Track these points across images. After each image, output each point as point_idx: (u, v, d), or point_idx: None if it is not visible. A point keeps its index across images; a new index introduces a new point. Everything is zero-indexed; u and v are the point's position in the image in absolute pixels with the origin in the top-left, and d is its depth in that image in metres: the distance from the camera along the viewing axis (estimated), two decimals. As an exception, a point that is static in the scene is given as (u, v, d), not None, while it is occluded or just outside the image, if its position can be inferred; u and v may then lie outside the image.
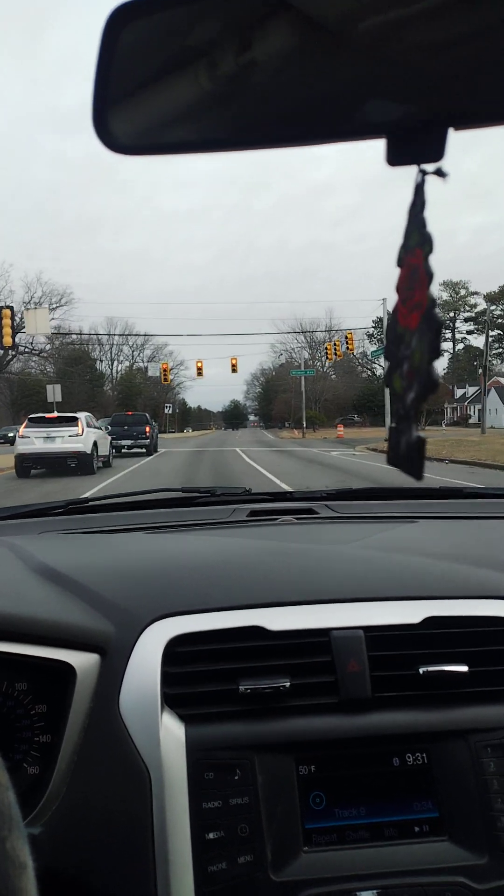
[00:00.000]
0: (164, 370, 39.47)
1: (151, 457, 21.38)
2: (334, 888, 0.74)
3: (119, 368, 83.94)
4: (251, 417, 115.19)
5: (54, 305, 61.71)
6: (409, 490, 1.74)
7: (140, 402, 75.87)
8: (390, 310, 0.40)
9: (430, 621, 0.86)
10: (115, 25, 0.38)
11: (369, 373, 73.29)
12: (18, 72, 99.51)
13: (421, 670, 0.83)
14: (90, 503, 1.61)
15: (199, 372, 38.01)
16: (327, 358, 36.80)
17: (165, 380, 40.95)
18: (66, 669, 0.80)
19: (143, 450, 22.39)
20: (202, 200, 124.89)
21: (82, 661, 0.82)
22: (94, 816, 0.75)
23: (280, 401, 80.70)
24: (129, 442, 22.22)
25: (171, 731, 0.79)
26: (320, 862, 0.75)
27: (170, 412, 43.96)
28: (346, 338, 34.99)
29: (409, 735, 0.81)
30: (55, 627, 0.83)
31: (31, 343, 62.72)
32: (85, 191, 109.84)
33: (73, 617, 0.87)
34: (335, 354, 34.49)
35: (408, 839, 0.78)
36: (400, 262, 0.38)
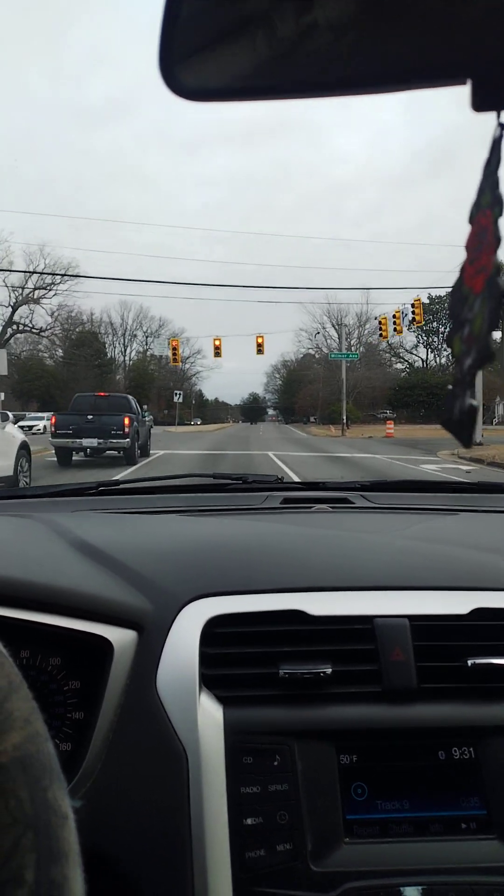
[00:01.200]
0: (174, 348, 30.78)
1: (134, 467, 12.65)
2: (376, 882, 0.71)
3: (132, 355, 75.75)
4: (270, 411, 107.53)
5: (58, 281, 52.64)
6: (447, 484, 1.72)
7: (154, 391, 67.37)
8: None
9: (478, 612, 0.83)
10: None
11: (406, 364, 63.85)
12: (43, 68, 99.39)
13: (469, 662, 0.79)
14: (122, 485, 1.60)
15: (217, 352, 29.70)
16: (381, 336, 27.93)
17: (175, 360, 32.31)
18: (103, 645, 0.78)
19: (119, 453, 13.77)
20: (224, 197, 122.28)
21: (120, 637, 0.79)
22: (129, 796, 0.73)
23: (305, 393, 72.20)
24: (93, 442, 13.16)
25: (209, 713, 0.76)
26: (362, 854, 0.72)
27: (179, 400, 34.69)
28: (380, 324, 26.24)
29: (456, 728, 0.78)
30: (93, 601, 0.81)
31: (31, 320, 53.76)
32: (108, 185, 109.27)
33: (111, 592, 0.85)
34: (394, 329, 25.37)
35: (454, 836, 0.74)
36: (471, 219, 0.36)
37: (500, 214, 0.34)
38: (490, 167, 0.34)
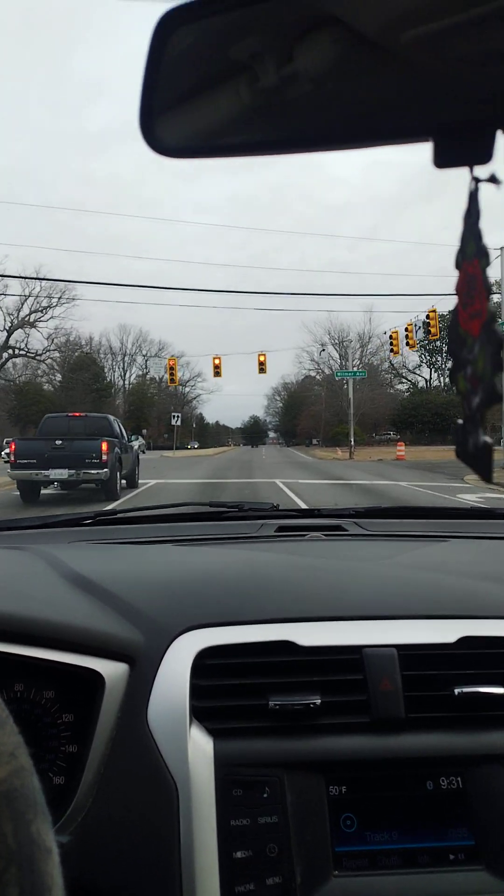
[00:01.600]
0: (171, 367, 28.67)
1: (116, 502, 10.29)
2: None
3: (132, 379, 73.99)
4: (270, 434, 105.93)
5: (54, 303, 50.85)
6: (440, 510, 1.78)
7: (154, 415, 65.37)
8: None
9: (466, 641, 0.83)
10: (164, 30, 0.38)
11: (409, 384, 61.77)
12: (44, 98, 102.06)
13: (456, 691, 0.79)
14: (118, 515, 1.60)
15: (217, 371, 28.04)
16: (392, 351, 25.76)
17: (172, 381, 30.18)
18: (95, 678, 0.78)
19: (96, 485, 11.10)
20: (221, 222, 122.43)
21: (111, 670, 0.79)
22: (121, 829, 0.72)
23: (307, 415, 70.20)
24: (63, 473, 10.41)
25: (200, 745, 0.75)
26: (351, 887, 0.71)
27: (177, 423, 32.41)
28: (391, 338, 24.25)
29: (444, 758, 0.77)
30: (86, 634, 0.81)
31: (26, 343, 51.84)
32: (107, 211, 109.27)
33: (104, 625, 0.85)
34: (406, 344, 23.23)
35: (442, 867, 0.73)
36: (458, 266, 0.37)
37: (488, 265, 0.35)
38: (470, 218, 0.36)
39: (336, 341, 36.95)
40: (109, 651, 0.80)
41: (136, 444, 14.33)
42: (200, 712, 0.78)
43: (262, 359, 28.89)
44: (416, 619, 0.86)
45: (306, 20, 0.36)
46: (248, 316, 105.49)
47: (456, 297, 0.37)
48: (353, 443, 31.47)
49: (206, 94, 0.39)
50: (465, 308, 0.36)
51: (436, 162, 0.37)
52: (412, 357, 60.30)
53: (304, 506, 9.95)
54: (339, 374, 32.93)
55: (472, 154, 0.36)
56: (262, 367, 28.84)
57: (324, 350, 30.28)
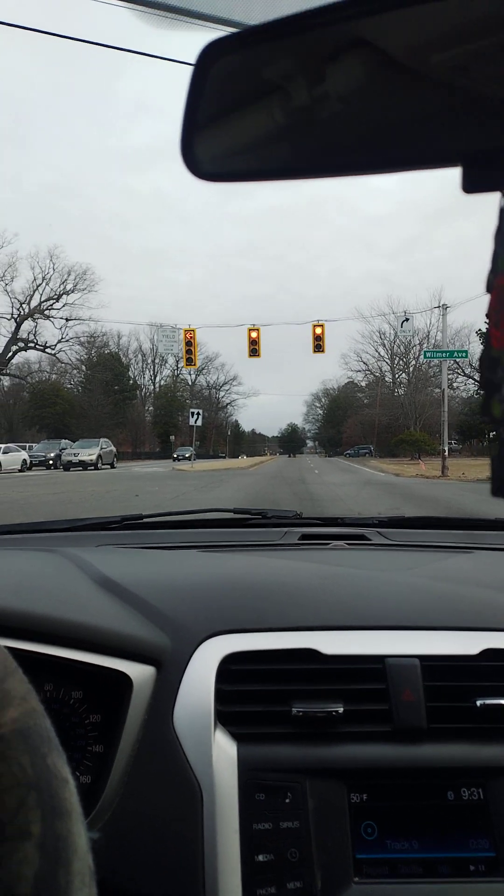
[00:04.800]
0: (189, 342, 19.25)
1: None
2: None
3: (161, 382, 65.38)
4: (309, 443, 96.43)
5: (68, 289, 42.08)
6: (464, 521, 1.72)
7: (182, 420, 56.19)
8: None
9: (488, 653, 0.83)
10: (206, 62, 0.40)
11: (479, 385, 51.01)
12: (92, 119, 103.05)
13: (478, 703, 0.80)
14: (144, 519, 1.61)
15: (254, 348, 22.28)
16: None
17: (190, 362, 20.94)
18: (122, 680, 0.80)
19: None
20: (260, 235, 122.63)
21: (139, 673, 0.81)
22: (146, 829, 0.74)
23: (354, 422, 60.31)
24: None
25: (224, 749, 0.78)
26: (371, 894, 0.72)
27: (197, 422, 22.62)
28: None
29: (465, 769, 0.78)
30: (115, 637, 0.83)
31: (35, 335, 42.97)
32: (150, 225, 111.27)
33: (132, 628, 0.87)
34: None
35: (463, 877, 0.74)
36: (489, 288, 0.36)
37: None
38: (501, 234, 0.35)
39: (402, 328, 28.20)
40: (137, 654, 0.82)
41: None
42: (225, 717, 0.80)
43: (318, 332, 19.29)
44: (439, 630, 0.87)
45: (338, 42, 0.36)
46: (294, 308, 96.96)
47: (487, 319, 0.36)
48: (447, 453, 21.33)
49: (241, 118, 0.40)
50: (498, 327, 0.35)
51: (464, 187, 0.37)
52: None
53: None
54: (427, 354, 23.05)
55: (502, 179, 0.36)
56: (318, 343, 19.27)
57: (407, 321, 19.90)
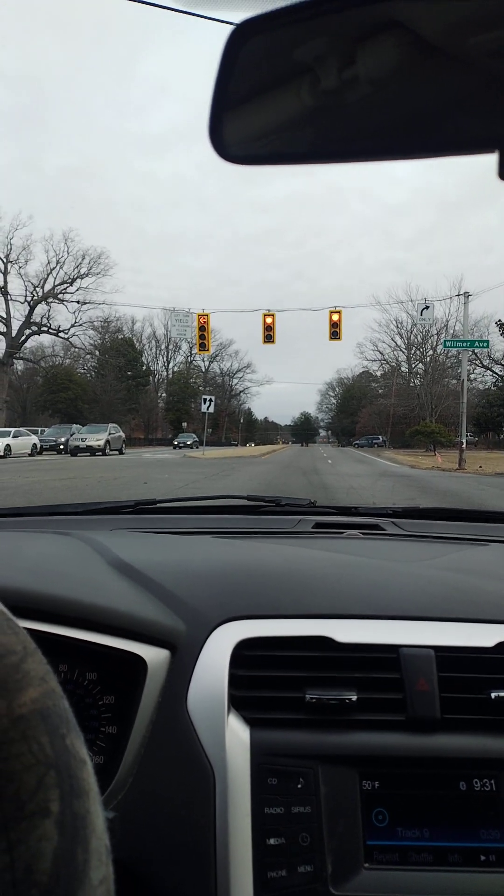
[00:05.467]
0: (202, 327, 18.63)
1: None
2: None
3: (174, 368, 64.68)
4: (321, 432, 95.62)
5: (83, 273, 41.40)
6: (479, 513, 1.70)
7: (195, 407, 55.64)
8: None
9: (503, 646, 0.84)
10: (236, 42, 0.39)
11: (497, 377, 49.82)
12: (110, 100, 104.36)
13: (492, 695, 0.80)
14: (158, 504, 1.62)
15: (269, 334, 21.73)
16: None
17: (203, 347, 20.36)
18: (137, 662, 0.82)
19: None
20: (278, 222, 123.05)
21: (154, 656, 0.82)
22: (159, 810, 0.75)
23: (368, 412, 59.41)
24: None
25: (237, 733, 0.78)
26: (381, 880, 0.73)
27: (209, 409, 21.93)
28: None
29: (478, 760, 0.78)
30: (131, 619, 0.83)
31: (48, 319, 42.48)
32: (167, 210, 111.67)
33: (147, 611, 0.87)
34: None
35: (474, 867, 0.74)
36: None
37: None
38: None
39: (421, 316, 27.30)
40: (152, 637, 0.83)
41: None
42: (238, 701, 0.80)
43: (335, 318, 18.50)
44: (455, 621, 0.87)
45: (371, 23, 0.35)
46: (310, 296, 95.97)
47: None
48: (464, 445, 20.58)
49: (270, 100, 0.39)
50: None
51: (501, 174, 0.36)
52: (500, 345, 48.56)
53: None
54: (447, 343, 22.15)
55: None
56: (335, 330, 18.39)
57: (427, 308, 18.98)
